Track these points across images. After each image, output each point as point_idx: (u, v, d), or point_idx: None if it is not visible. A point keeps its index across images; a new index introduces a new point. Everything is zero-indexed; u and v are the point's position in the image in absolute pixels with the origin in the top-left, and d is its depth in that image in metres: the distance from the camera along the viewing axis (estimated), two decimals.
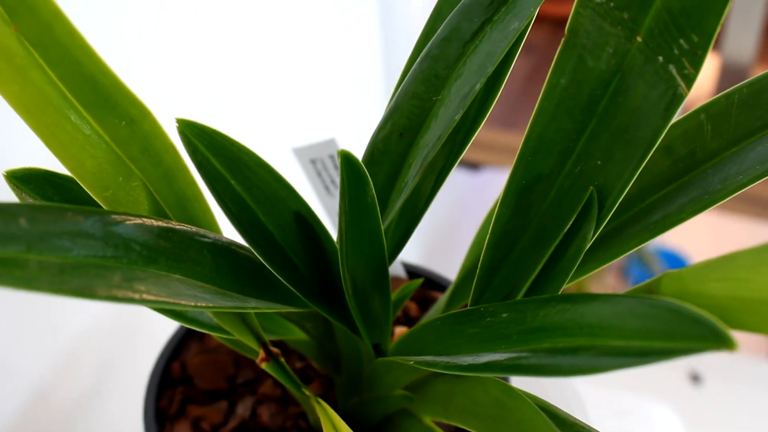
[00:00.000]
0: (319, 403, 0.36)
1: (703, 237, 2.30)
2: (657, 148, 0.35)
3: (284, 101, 0.81)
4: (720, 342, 0.23)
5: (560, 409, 0.33)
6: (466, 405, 0.34)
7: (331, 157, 0.46)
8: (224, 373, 0.45)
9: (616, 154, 0.30)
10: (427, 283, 0.50)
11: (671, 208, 0.34)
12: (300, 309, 0.34)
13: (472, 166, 1.30)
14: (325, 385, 0.44)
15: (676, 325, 0.24)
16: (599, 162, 0.31)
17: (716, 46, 1.15)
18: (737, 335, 0.23)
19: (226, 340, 0.38)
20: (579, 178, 0.31)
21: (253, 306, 0.31)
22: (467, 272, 0.40)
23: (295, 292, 0.34)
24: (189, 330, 0.47)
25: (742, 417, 1.05)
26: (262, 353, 0.36)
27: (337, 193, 0.48)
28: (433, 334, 0.34)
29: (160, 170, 0.32)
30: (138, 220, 0.29)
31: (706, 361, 1.13)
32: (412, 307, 0.48)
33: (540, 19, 1.42)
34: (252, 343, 0.35)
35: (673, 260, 2.22)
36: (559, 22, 1.36)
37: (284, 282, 0.34)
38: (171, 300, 0.27)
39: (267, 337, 0.36)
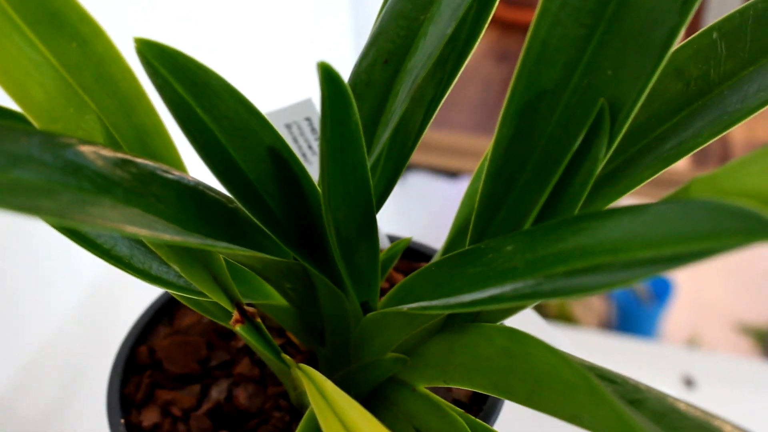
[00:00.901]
0: (301, 369, 0.32)
1: None
2: (667, 71, 0.32)
3: (253, 64, 0.77)
4: (766, 231, 0.19)
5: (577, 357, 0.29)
6: (468, 362, 0.31)
7: (308, 119, 0.43)
8: (196, 355, 0.41)
9: (628, 61, 0.27)
10: (417, 256, 0.46)
11: (686, 134, 0.31)
12: (277, 258, 0.30)
13: (451, 174, 1.27)
14: (307, 362, 0.40)
15: (715, 223, 0.21)
16: (610, 72, 0.27)
17: None
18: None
19: (195, 304, 0.34)
20: (587, 92, 0.28)
21: (223, 246, 0.27)
22: (460, 227, 0.36)
23: (273, 237, 0.30)
24: (157, 313, 0.43)
25: (736, 420, 1.02)
26: (236, 314, 0.32)
27: (315, 159, 0.44)
28: (428, 283, 0.30)
29: (116, 100, 0.28)
30: (92, 147, 0.25)
31: (700, 366, 1.10)
32: (400, 279, 0.44)
33: (512, 27, 1.41)
34: (225, 303, 0.32)
35: (655, 278, 2.20)
36: None
37: (260, 225, 0.30)
38: (127, 227, 0.23)
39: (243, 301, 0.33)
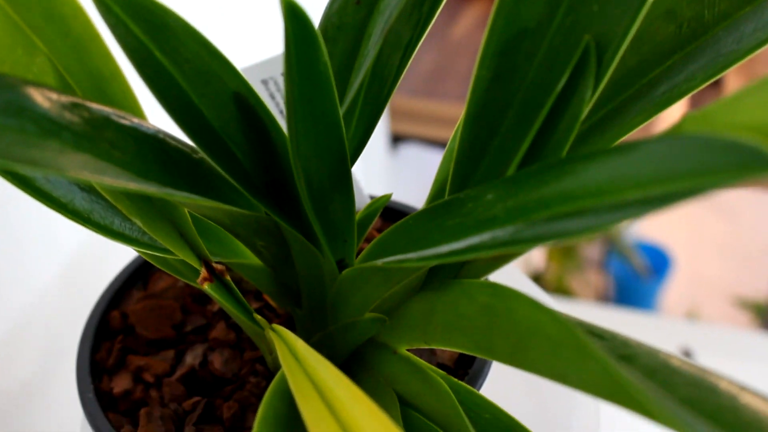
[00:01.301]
0: (274, 329, 0.30)
1: (683, 231, 2.28)
2: (658, 13, 0.30)
3: (225, 16, 0.75)
4: (763, 164, 0.18)
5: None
6: (449, 321, 0.29)
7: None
8: (170, 320, 0.39)
9: None
10: (399, 217, 0.44)
11: (679, 77, 0.29)
12: (245, 211, 0.28)
13: (444, 145, 1.25)
14: (284, 325, 0.38)
15: (707, 158, 0.19)
16: (595, 7, 0.25)
17: None
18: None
19: (163, 263, 0.32)
20: (572, 31, 0.26)
21: (184, 196, 0.25)
22: (441, 182, 0.34)
23: (241, 189, 0.28)
24: (130, 277, 0.42)
25: None
26: (203, 272, 0.30)
27: None
28: (405, 237, 0.28)
29: (68, 42, 0.26)
30: (38, 89, 0.23)
31: (698, 338, 1.09)
32: None
33: None
34: (192, 261, 0.30)
35: (654, 253, 2.19)
36: None
37: (226, 177, 0.28)
38: (74, 172, 0.21)
39: (212, 259, 0.31)
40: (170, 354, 0.38)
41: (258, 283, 0.35)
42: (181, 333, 0.39)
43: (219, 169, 0.28)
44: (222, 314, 0.39)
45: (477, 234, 0.24)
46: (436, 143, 1.27)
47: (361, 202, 0.44)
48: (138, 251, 0.31)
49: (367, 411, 0.24)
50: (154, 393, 0.36)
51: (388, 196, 0.35)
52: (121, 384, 0.36)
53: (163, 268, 0.32)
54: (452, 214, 0.26)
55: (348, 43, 0.30)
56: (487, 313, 0.27)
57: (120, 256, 0.44)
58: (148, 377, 0.36)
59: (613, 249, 2.32)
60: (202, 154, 0.28)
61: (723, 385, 0.20)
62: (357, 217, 0.35)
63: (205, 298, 0.40)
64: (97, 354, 0.38)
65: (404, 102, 1.14)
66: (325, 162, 0.28)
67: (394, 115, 1.14)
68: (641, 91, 0.30)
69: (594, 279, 2.40)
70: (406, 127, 1.16)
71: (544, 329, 0.24)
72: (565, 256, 2.30)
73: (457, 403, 0.28)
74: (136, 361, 0.37)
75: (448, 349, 0.36)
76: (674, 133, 0.23)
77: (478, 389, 0.35)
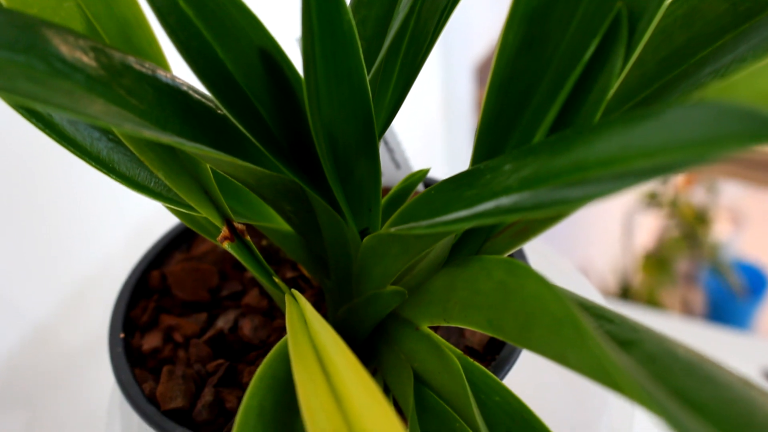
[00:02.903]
0: (290, 293, 0.30)
1: None
2: None
3: None
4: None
5: (577, 294, 0.26)
6: (466, 298, 0.28)
7: None
8: (207, 284, 0.39)
9: None
10: None
11: (727, 58, 0.27)
12: (268, 171, 0.28)
13: None
14: (316, 297, 0.38)
15: (717, 126, 0.17)
16: None
17: None
18: None
19: (189, 219, 0.32)
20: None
21: (198, 147, 0.25)
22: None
23: (263, 149, 0.28)
24: (174, 239, 0.42)
25: None
26: (224, 230, 0.30)
27: None
28: (426, 207, 0.27)
29: None
30: (58, 31, 0.23)
31: None
32: None
33: None
34: (214, 218, 0.30)
35: (752, 272, 2.11)
36: None
37: (249, 136, 0.28)
38: (82, 110, 0.21)
39: (239, 221, 0.31)
40: (203, 317, 0.38)
41: (290, 250, 0.35)
42: (217, 297, 0.39)
43: (242, 127, 0.28)
44: (256, 281, 0.39)
45: (486, 203, 0.23)
46: None
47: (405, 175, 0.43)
48: (164, 206, 0.31)
49: (359, 378, 0.23)
50: (181, 353, 0.36)
51: (425, 171, 0.34)
52: (150, 342, 0.36)
53: (190, 226, 0.32)
54: (471, 185, 0.25)
55: (383, 8, 0.29)
56: (501, 289, 0.26)
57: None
58: (178, 337, 0.36)
59: (710, 266, 2.25)
60: (225, 111, 0.28)
61: (719, 373, 0.19)
62: (393, 190, 0.34)
63: (243, 265, 0.40)
64: (133, 311, 0.38)
65: None
66: (349, 126, 0.28)
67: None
68: (688, 72, 0.28)
69: (687, 294, 2.33)
70: None
71: (548, 307, 0.23)
72: (659, 269, 2.24)
73: (466, 383, 0.27)
74: (169, 320, 0.37)
75: (478, 331, 0.35)
76: (697, 102, 0.21)
77: (503, 377, 0.34)
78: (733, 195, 2.38)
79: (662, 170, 0.18)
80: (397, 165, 0.43)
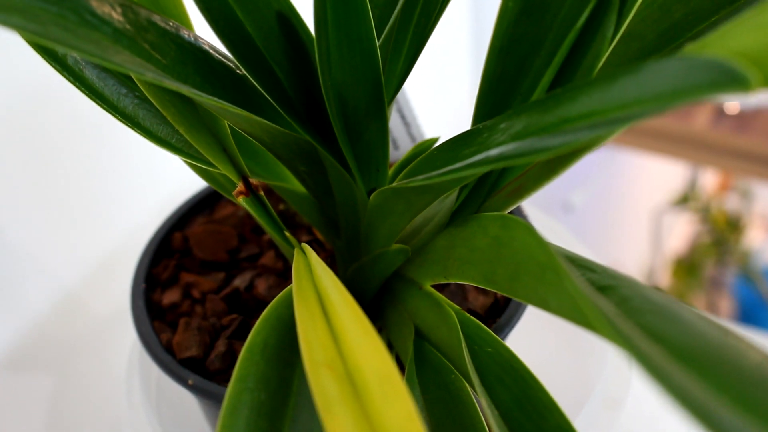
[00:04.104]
0: (301, 247, 0.31)
1: None
2: None
3: None
4: (734, 82, 0.18)
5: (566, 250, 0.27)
6: (464, 255, 0.30)
7: None
8: (226, 245, 0.41)
9: None
10: None
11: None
12: (283, 129, 0.30)
13: None
14: (328, 260, 0.39)
15: (686, 78, 0.19)
16: None
17: None
18: None
19: (206, 175, 0.34)
20: None
21: (216, 100, 0.26)
22: None
23: (279, 109, 0.30)
24: (198, 203, 0.44)
25: None
26: (240, 186, 0.32)
27: None
28: (429, 166, 0.29)
29: None
30: None
31: None
32: None
33: None
34: (231, 174, 0.32)
35: None
36: None
37: (266, 95, 0.30)
38: (108, 57, 0.23)
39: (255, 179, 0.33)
40: (221, 276, 0.39)
41: (304, 212, 0.37)
42: (235, 259, 0.41)
43: (260, 87, 0.30)
44: (273, 244, 0.41)
45: (477, 156, 0.24)
46: None
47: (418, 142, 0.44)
48: (183, 161, 0.32)
49: (355, 317, 0.25)
50: (198, 308, 0.38)
51: (435, 139, 0.36)
52: (170, 297, 0.38)
53: (208, 182, 0.34)
54: (470, 144, 0.27)
55: None
56: (495, 244, 0.27)
57: None
58: (196, 293, 0.38)
59: (742, 273, 2.24)
60: (244, 72, 0.30)
61: (686, 314, 0.20)
62: (404, 156, 0.36)
63: (261, 229, 0.42)
64: (155, 268, 0.40)
65: None
66: (359, 89, 0.29)
67: None
68: (684, 44, 0.29)
69: (717, 300, 2.31)
70: None
71: (534, 255, 0.24)
72: (689, 274, 2.24)
73: (461, 335, 0.29)
74: (188, 278, 0.39)
75: (473, 285, 0.36)
76: (670, 58, 0.22)
77: (504, 338, 0.35)
78: None
79: (635, 117, 0.20)
80: (413, 139, 0.44)
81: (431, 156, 0.29)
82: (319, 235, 0.40)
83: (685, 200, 2.18)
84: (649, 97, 0.20)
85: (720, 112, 1.05)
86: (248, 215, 0.43)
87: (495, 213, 0.29)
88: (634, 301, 0.22)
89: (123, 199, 0.62)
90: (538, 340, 0.42)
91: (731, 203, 2.27)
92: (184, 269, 0.40)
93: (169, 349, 0.36)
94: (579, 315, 0.22)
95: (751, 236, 2.29)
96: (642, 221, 2.05)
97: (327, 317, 0.25)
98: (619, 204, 1.87)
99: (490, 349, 0.29)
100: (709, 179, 2.22)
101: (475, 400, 0.29)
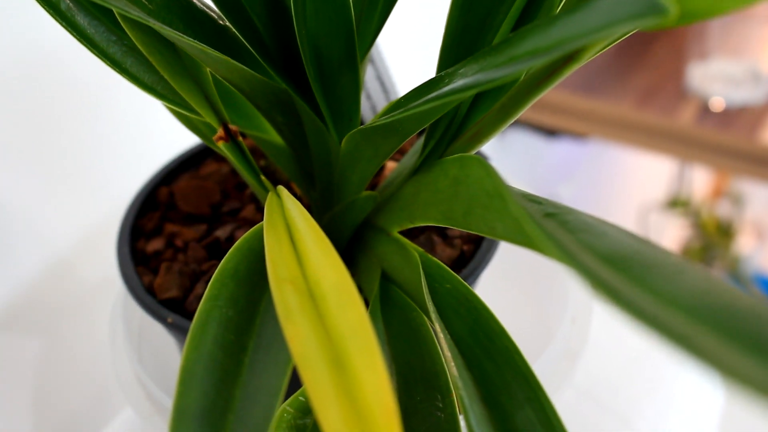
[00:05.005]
0: (275, 190, 0.33)
1: None
2: None
3: None
4: (654, 13, 0.20)
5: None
6: (428, 198, 0.32)
7: None
8: (209, 199, 0.43)
9: None
10: None
11: None
12: (261, 76, 0.32)
13: (549, 132, 1.25)
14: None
15: (612, 13, 0.21)
16: None
17: None
18: None
19: (187, 122, 0.36)
20: None
21: (207, 48, 0.28)
22: None
23: (259, 59, 0.32)
24: (185, 161, 0.46)
25: None
26: (220, 131, 0.34)
27: None
28: (393, 110, 0.31)
29: None
30: None
31: None
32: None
33: None
34: (212, 121, 0.33)
35: None
36: None
37: (246, 45, 0.32)
38: None
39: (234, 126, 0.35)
40: (203, 227, 0.41)
41: (282, 164, 0.39)
42: (217, 213, 0.43)
43: (241, 37, 0.32)
44: (254, 198, 0.43)
45: (433, 94, 0.26)
46: (544, 130, 1.27)
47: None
48: (166, 107, 0.34)
49: (319, 241, 0.27)
50: (180, 256, 0.40)
51: None
52: (154, 245, 0.40)
53: (188, 128, 0.36)
54: (432, 89, 0.29)
55: None
56: (454, 183, 0.29)
57: None
58: (179, 242, 0.40)
59: (731, 278, 2.26)
60: (226, 22, 0.32)
61: (610, 231, 0.22)
62: (379, 113, 0.38)
63: (243, 186, 0.44)
64: (141, 220, 0.42)
65: None
66: (333, 41, 0.31)
67: None
68: None
69: None
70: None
71: (484, 185, 0.26)
72: None
73: (422, 271, 0.31)
74: (171, 228, 0.41)
75: (438, 224, 0.38)
76: None
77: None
78: (760, 209, 2.38)
79: (570, 49, 0.22)
80: (387, 97, 0.46)
81: (397, 103, 0.31)
82: (297, 190, 0.42)
83: (675, 204, 2.20)
84: (584, 32, 0.22)
85: (705, 110, 1.08)
86: (232, 172, 0.45)
87: (455, 155, 0.31)
88: (571, 223, 0.24)
89: (116, 167, 0.64)
90: (503, 295, 0.44)
91: (723, 209, 2.29)
92: (169, 221, 0.42)
93: (150, 290, 0.38)
94: (523, 236, 0.24)
95: (741, 243, 2.31)
96: (630, 218, 2.07)
97: (293, 242, 0.27)
98: (607, 199, 1.89)
99: (448, 285, 0.31)
100: (699, 179, 2.24)
101: (433, 333, 0.31)
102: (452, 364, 0.27)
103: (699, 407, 0.54)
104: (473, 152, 0.32)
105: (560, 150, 1.34)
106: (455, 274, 0.31)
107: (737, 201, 2.32)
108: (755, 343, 0.15)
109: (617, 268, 0.20)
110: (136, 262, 0.40)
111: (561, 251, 0.20)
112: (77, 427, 0.64)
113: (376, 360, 0.22)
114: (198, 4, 0.31)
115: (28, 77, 0.55)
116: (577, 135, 1.27)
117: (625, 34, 0.24)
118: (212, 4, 0.32)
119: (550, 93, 1.15)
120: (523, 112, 0.97)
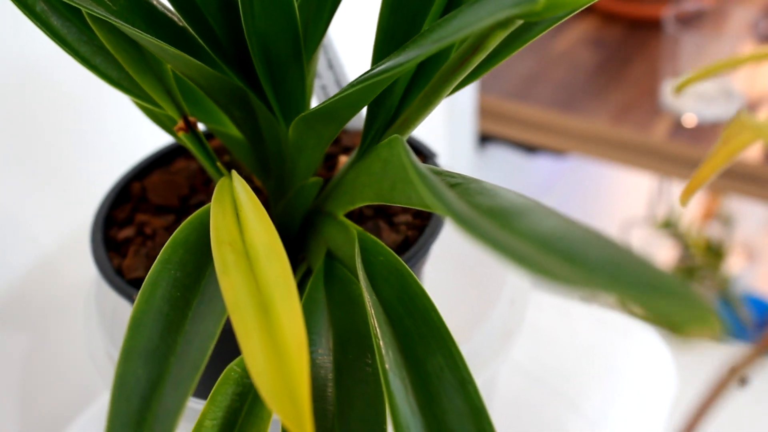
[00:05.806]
0: (230, 175, 0.37)
1: None
2: None
3: None
4: (527, 4, 0.23)
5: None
6: (365, 181, 0.35)
7: None
8: (178, 192, 0.46)
9: None
10: None
11: None
12: (216, 72, 0.35)
13: (529, 148, 1.29)
14: (265, 204, 0.45)
15: (499, 6, 0.24)
16: None
17: None
18: None
19: (151, 114, 0.39)
20: None
21: (167, 45, 0.32)
22: None
23: (215, 57, 0.35)
24: (157, 159, 0.49)
25: None
26: (180, 123, 0.37)
27: None
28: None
29: None
30: None
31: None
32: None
33: (613, 18, 1.41)
34: (173, 113, 0.37)
35: (761, 306, 2.14)
36: (632, 22, 1.34)
37: (203, 44, 0.35)
38: None
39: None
40: (171, 217, 0.45)
41: (241, 156, 0.42)
42: (185, 205, 0.46)
43: (198, 37, 0.35)
44: None
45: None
46: (523, 146, 1.31)
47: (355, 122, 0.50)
48: (132, 100, 0.38)
49: (256, 210, 0.30)
50: (149, 243, 0.43)
51: None
52: (125, 233, 0.44)
53: (152, 120, 0.39)
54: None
55: None
56: (384, 164, 0.33)
57: None
58: (148, 230, 0.44)
59: (721, 298, 2.28)
60: (185, 24, 0.36)
61: (506, 194, 0.26)
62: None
63: (210, 181, 0.47)
64: (114, 212, 0.46)
65: (495, 102, 1.19)
66: (280, 39, 0.35)
67: (484, 115, 1.20)
68: None
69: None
70: (494, 128, 1.21)
71: (400, 161, 0.30)
72: None
73: (357, 244, 0.34)
74: (142, 217, 0.44)
75: (372, 203, 0.42)
76: None
77: (412, 268, 0.40)
78: (750, 230, 2.41)
79: (463, 34, 0.25)
80: (339, 85, 0.50)
81: (339, 92, 0.35)
82: (257, 182, 0.45)
83: (665, 226, 2.24)
84: (474, 21, 0.25)
85: (678, 126, 1.11)
86: (200, 169, 0.48)
87: (386, 140, 0.34)
88: (471, 190, 0.27)
89: (100, 169, 0.67)
90: (449, 279, 0.48)
91: (713, 230, 2.31)
92: (140, 211, 0.46)
93: (119, 271, 0.41)
94: (422, 201, 0.28)
95: (731, 263, 2.34)
96: (611, 233, 2.10)
97: (237, 214, 0.31)
98: (588, 215, 1.92)
99: (381, 258, 0.34)
100: (676, 191, 2.27)
101: (368, 303, 0.34)
102: (375, 321, 0.30)
103: (649, 396, 0.57)
104: (405, 137, 0.36)
105: (540, 166, 1.38)
106: (388, 249, 0.35)
107: (727, 222, 2.35)
108: (570, 257, 0.18)
109: (492, 217, 0.23)
110: (108, 248, 0.43)
111: (441, 203, 0.24)
112: (62, 423, 0.67)
113: (294, 304, 0.25)
114: (159, 6, 0.35)
115: (16, 82, 0.59)
116: (555, 151, 1.30)
117: (511, 26, 0.28)
118: (171, 7, 0.35)
119: (528, 110, 1.19)
120: (502, 128, 1.00)
